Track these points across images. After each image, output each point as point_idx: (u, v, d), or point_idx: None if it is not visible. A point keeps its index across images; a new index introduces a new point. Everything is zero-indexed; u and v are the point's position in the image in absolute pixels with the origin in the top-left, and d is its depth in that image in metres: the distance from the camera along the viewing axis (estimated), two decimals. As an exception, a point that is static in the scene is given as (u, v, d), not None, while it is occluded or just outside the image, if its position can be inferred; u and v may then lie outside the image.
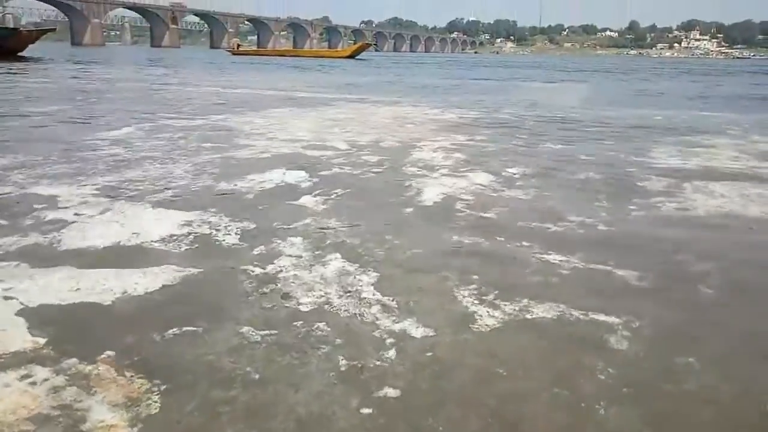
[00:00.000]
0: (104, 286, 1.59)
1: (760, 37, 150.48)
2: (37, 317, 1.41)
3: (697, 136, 4.91)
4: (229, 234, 2.12)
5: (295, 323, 1.43)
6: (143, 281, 1.64)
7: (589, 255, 1.97)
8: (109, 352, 1.26)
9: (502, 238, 2.16)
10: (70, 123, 4.95)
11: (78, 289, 1.57)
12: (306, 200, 2.62)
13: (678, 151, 4.11)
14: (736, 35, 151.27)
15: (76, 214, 2.27)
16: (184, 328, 1.39)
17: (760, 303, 1.68)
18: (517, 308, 1.55)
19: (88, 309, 1.47)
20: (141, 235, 2.05)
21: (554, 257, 1.95)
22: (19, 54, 20.47)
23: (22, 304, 1.48)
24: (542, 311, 1.54)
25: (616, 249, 2.06)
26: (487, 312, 1.52)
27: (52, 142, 3.94)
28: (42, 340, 1.30)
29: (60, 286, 1.58)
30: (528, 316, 1.51)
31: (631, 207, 2.65)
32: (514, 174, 3.28)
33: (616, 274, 1.83)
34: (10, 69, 12.89)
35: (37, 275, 1.65)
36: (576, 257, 1.95)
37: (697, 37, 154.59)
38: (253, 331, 1.38)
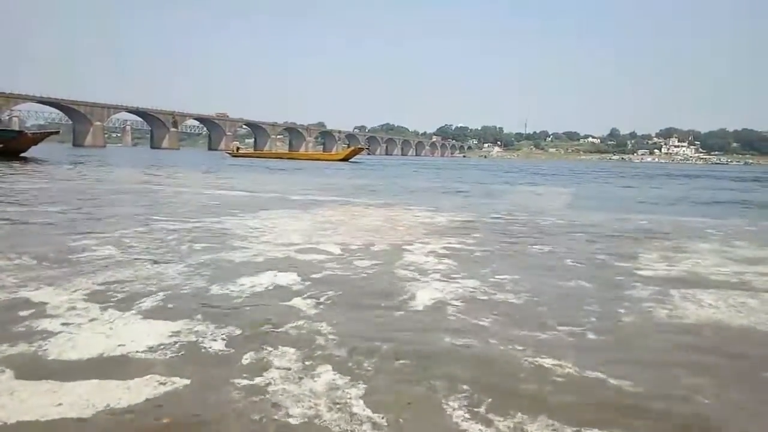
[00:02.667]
0: (87, 401, 1.55)
1: (735, 144, 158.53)
2: (14, 434, 1.36)
3: (681, 241, 5.02)
4: (216, 341, 2.10)
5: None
6: (128, 395, 1.60)
7: (581, 362, 1.96)
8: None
9: (494, 341, 2.16)
10: (65, 224, 5.01)
11: (60, 404, 1.53)
12: (297, 304, 2.62)
13: (663, 257, 4.19)
14: (712, 143, 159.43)
15: (63, 323, 2.24)
16: (166, 446, 1.34)
17: (757, 416, 1.66)
18: (510, 424, 1.51)
19: (71, 426, 1.42)
20: (128, 345, 2.02)
21: (547, 363, 1.94)
22: (22, 155, 21.08)
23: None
24: (537, 427, 1.50)
25: (608, 357, 2.05)
26: (480, 430, 1.48)
27: (46, 243, 3.97)
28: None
29: (42, 401, 1.54)
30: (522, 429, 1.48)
31: (621, 311, 2.66)
32: (504, 279, 3.32)
33: (609, 384, 1.81)
34: (11, 169, 13.20)
35: (18, 388, 1.61)
36: (569, 364, 1.93)
37: (676, 143, 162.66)
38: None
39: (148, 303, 2.56)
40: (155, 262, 3.46)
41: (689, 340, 2.33)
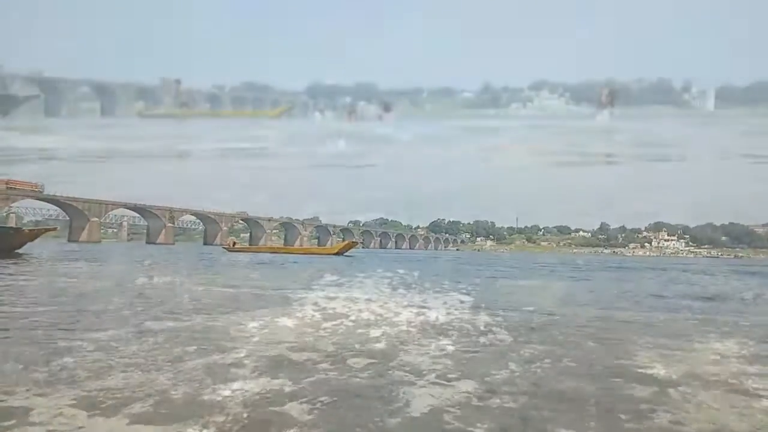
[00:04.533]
0: None
1: (724, 238, 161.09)
2: None
3: (679, 339, 5.00)
4: (208, 452, 2.04)
5: None
6: None
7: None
8: None
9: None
10: (54, 325, 4.94)
11: None
12: (292, 410, 2.56)
13: (661, 356, 4.16)
14: (702, 237, 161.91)
15: (49, 431, 2.18)
16: None
17: None
18: None
19: None
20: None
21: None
22: (17, 251, 21.10)
23: None
24: None
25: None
26: None
27: (33, 345, 3.91)
28: None
29: None
30: None
31: (621, 416, 2.61)
32: (499, 378, 3.27)
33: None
34: (2, 266, 13.15)
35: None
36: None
37: (666, 237, 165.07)
38: None
39: (137, 410, 2.49)
40: (145, 367, 3.39)
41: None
